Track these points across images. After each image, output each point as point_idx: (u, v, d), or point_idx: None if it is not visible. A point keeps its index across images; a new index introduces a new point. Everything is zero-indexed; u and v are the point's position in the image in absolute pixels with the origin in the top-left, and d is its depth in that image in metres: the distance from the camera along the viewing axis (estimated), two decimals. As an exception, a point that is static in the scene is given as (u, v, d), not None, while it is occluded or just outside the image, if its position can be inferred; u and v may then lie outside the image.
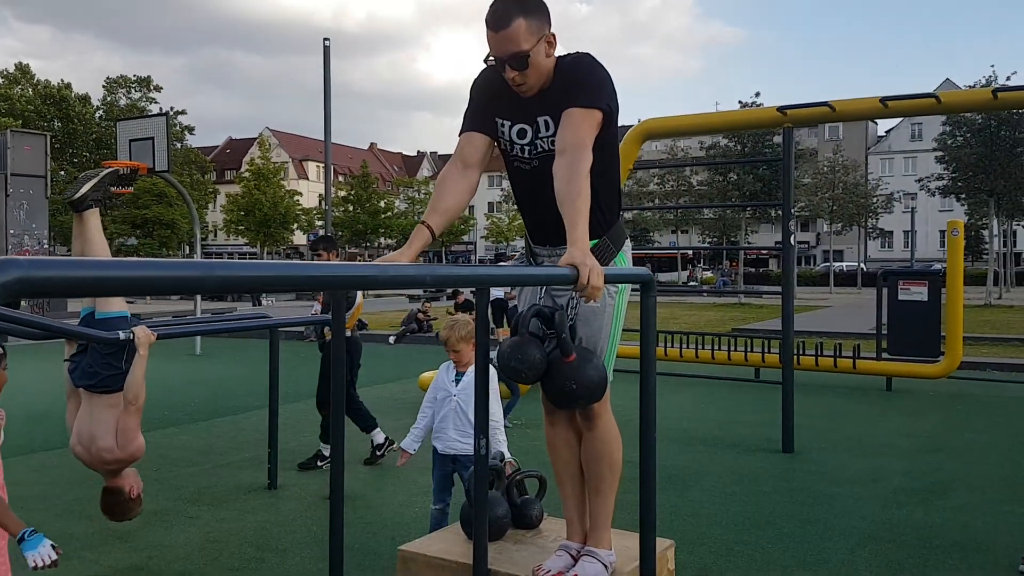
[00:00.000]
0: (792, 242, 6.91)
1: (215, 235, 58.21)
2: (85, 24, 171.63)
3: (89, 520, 4.86)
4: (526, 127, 2.68)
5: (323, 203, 28.12)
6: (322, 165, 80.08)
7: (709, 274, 51.57)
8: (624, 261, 2.81)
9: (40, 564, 2.51)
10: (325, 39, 35.43)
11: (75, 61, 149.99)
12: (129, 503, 3.77)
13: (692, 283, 47.13)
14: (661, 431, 7.75)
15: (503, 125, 2.73)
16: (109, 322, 3.97)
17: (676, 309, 25.81)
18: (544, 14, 2.54)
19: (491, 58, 2.54)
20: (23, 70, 59.52)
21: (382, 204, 44.75)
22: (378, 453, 6.57)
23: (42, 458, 6.67)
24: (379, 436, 6.62)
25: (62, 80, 61.53)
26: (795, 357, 7.65)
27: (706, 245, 50.22)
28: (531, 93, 2.61)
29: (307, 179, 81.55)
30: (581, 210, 2.39)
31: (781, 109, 7.58)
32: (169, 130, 13.96)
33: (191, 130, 65.85)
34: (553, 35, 2.56)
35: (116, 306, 4.00)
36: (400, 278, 1.89)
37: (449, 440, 3.99)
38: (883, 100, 7.48)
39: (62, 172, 38.84)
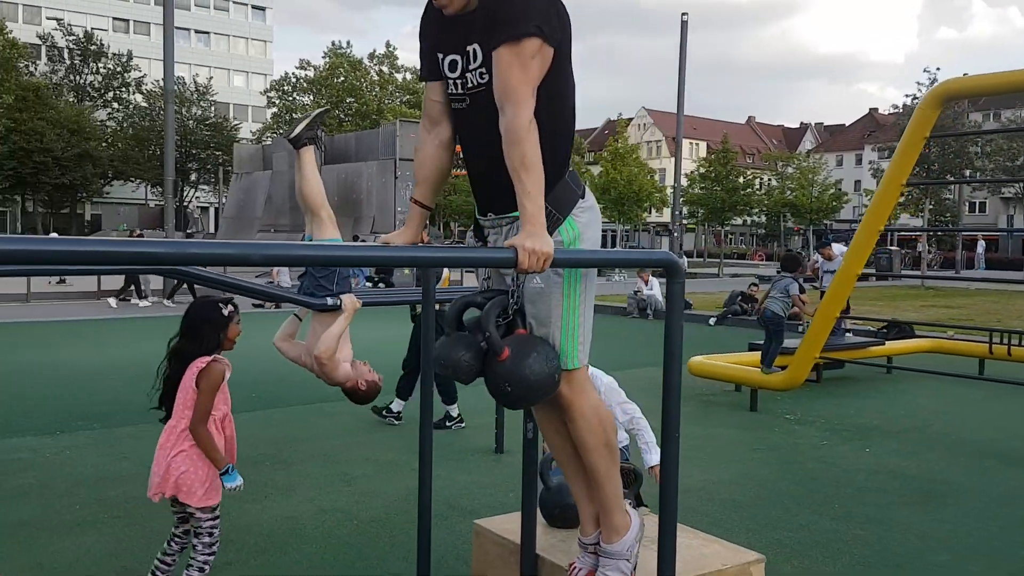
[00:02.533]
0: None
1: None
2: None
3: (322, 463, 5.55)
4: (457, 58, 2.39)
5: (681, 180, 28.12)
6: (696, 142, 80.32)
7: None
8: (574, 228, 2.39)
9: (232, 488, 3.25)
10: (683, 14, 35.14)
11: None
12: (359, 392, 4.29)
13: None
14: (924, 437, 6.92)
15: (441, 59, 2.44)
16: (329, 290, 4.49)
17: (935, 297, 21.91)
18: None
19: None
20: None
21: (741, 180, 43.47)
22: (447, 424, 6.97)
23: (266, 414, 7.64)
24: (454, 411, 7.03)
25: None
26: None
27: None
28: (453, 8, 2.32)
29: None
30: (526, 181, 2.17)
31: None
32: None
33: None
34: None
35: (329, 233, 4.49)
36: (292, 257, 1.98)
37: None
38: None
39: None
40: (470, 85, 2.38)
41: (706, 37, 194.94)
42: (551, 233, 2.27)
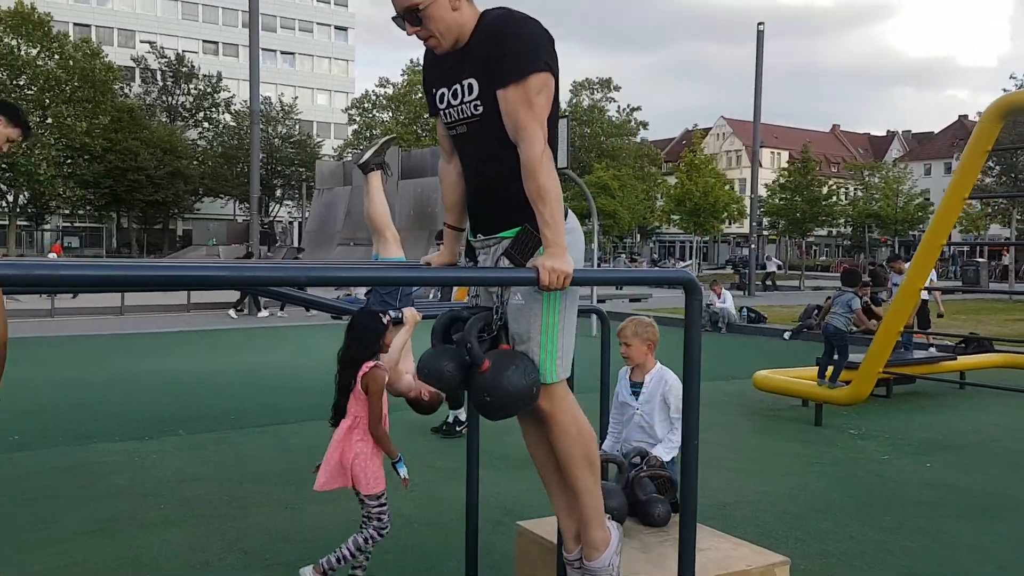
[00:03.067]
0: None
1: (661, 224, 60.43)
2: (572, 33, 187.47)
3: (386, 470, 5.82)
4: (448, 90, 2.54)
5: (761, 191, 27.86)
6: (777, 151, 79.05)
7: None
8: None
9: (404, 475, 3.80)
10: (759, 23, 34.74)
11: (562, 67, 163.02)
12: (423, 403, 4.55)
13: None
14: (989, 452, 6.82)
15: (437, 92, 2.59)
16: (393, 306, 4.77)
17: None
18: None
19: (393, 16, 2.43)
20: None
21: (823, 190, 42.60)
22: (457, 429, 7.17)
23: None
24: (463, 415, 7.16)
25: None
26: None
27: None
28: (443, 49, 2.47)
29: (760, 166, 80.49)
30: (543, 211, 2.34)
31: None
32: (568, 132, 15.16)
33: (645, 125, 69.63)
34: None
35: (393, 253, 4.78)
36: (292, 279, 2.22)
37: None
38: None
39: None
40: (463, 116, 2.52)
41: (790, 43, 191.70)
42: (532, 254, 2.46)
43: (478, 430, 3.50)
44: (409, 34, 2.44)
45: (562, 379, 2.59)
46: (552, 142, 2.46)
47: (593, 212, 16.26)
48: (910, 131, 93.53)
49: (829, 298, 12.64)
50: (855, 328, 9.14)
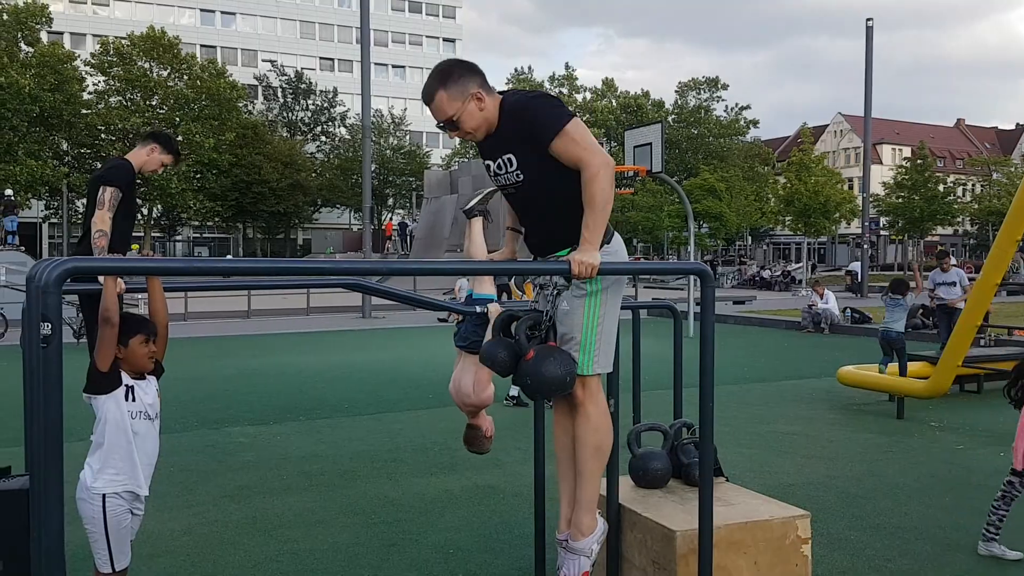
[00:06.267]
0: None
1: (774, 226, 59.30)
2: (676, 32, 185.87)
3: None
4: (498, 162, 3.07)
5: (866, 190, 27.31)
6: (898, 147, 76.38)
7: None
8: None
9: None
10: (868, 19, 33.99)
11: (667, 68, 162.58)
12: (483, 439, 5.11)
13: None
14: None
15: (487, 164, 3.16)
16: (481, 301, 5.39)
17: None
18: (464, 79, 2.94)
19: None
20: (608, 84, 68.24)
21: (941, 188, 41.18)
22: (524, 403, 8.41)
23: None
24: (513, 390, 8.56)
25: (641, 89, 68.95)
26: None
27: None
28: (479, 138, 3.04)
29: (880, 163, 77.73)
30: (588, 216, 2.85)
31: None
32: (663, 136, 15.55)
33: (755, 123, 68.54)
34: (481, 91, 2.94)
35: (487, 289, 5.39)
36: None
37: None
38: None
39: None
40: (509, 182, 3.07)
41: (912, 35, 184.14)
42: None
43: (543, 417, 4.06)
44: (451, 137, 3.09)
45: (598, 373, 3.10)
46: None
47: (689, 214, 16.52)
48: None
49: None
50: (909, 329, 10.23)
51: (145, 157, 5.08)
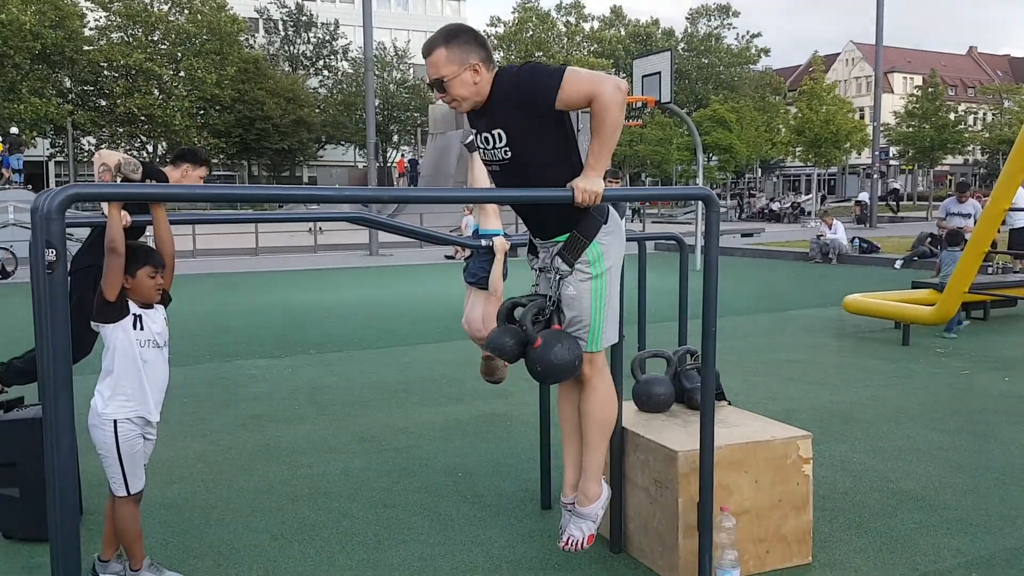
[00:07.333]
0: None
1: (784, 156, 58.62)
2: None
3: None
4: (484, 136, 3.02)
5: (876, 119, 27.00)
6: (910, 76, 75.07)
7: None
8: (596, 248, 2.98)
9: None
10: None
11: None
12: (500, 367, 5.18)
13: None
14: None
15: (476, 135, 3.10)
16: (487, 236, 5.39)
17: None
18: (469, 46, 2.88)
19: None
20: (617, 12, 66.98)
21: (951, 117, 40.57)
22: None
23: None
24: None
25: (651, 17, 67.58)
26: None
27: None
28: (464, 109, 3.00)
29: (891, 92, 76.24)
30: (595, 143, 2.83)
31: None
32: (673, 65, 15.29)
33: (767, 52, 67.35)
34: (480, 64, 2.88)
35: (492, 224, 5.38)
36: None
37: None
38: None
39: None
40: (496, 158, 3.01)
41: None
42: (579, 255, 2.96)
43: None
44: (436, 98, 3.01)
45: (603, 349, 3.13)
46: (574, 160, 2.99)
47: (698, 146, 16.35)
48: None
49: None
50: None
51: (179, 179, 4.84)
